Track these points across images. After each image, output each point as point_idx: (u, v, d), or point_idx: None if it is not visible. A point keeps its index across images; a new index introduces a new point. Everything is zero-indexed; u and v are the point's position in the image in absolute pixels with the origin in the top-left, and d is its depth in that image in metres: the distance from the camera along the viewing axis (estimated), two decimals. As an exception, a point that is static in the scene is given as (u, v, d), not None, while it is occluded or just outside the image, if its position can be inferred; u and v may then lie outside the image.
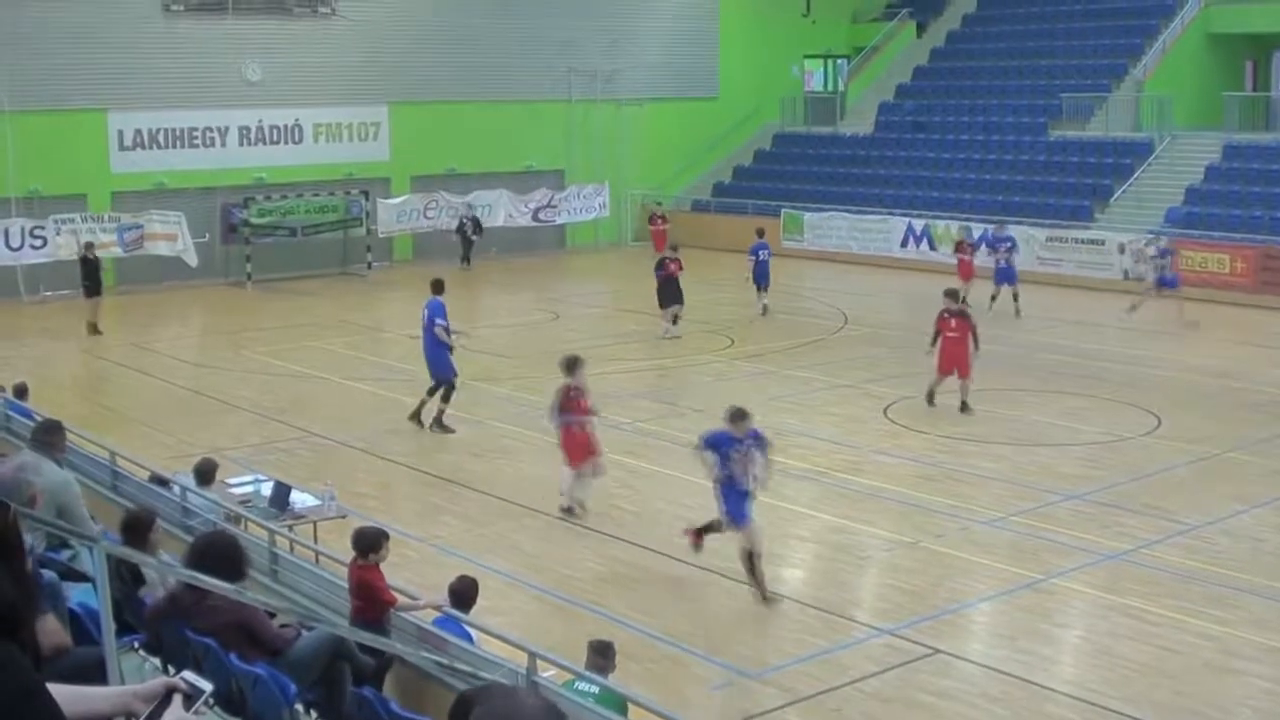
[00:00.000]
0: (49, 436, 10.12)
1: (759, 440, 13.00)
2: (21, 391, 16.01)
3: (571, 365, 15.77)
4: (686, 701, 10.78)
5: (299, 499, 13.24)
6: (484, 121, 38.43)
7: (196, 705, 3.58)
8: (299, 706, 7.01)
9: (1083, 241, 32.91)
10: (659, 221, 35.92)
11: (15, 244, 31.22)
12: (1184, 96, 36.93)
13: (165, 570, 7.42)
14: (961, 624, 12.56)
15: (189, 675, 3.72)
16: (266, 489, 13.36)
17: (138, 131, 33.90)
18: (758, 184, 41.86)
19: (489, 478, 17.17)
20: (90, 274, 27.44)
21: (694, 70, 43.06)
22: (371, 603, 9.04)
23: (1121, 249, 31.95)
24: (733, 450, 12.82)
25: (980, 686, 11.11)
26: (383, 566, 9.32)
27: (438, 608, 9.48)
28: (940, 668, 11.31)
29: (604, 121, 41.09)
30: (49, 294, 31.75)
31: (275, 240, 34.91)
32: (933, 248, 35.67)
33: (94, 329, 27.05)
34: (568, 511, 15.44)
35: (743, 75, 43.82)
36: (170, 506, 11.40)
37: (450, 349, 18.94)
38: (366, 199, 36.13)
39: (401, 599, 9.29)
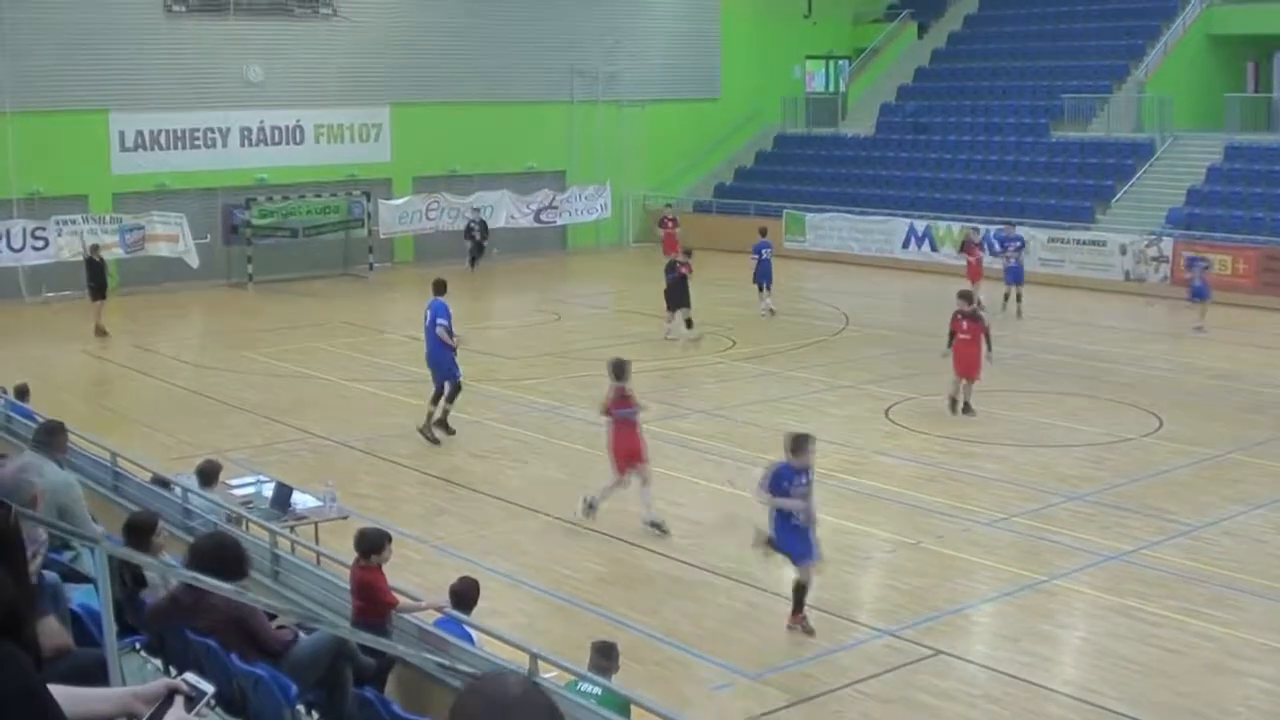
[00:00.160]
0: (50, 437, 10.14)
1: (811, 480, 12.23)
2: (23, 392, 16.02)
3: (621, 369, 15.35)
4: (687, 702, 10.79)
5: (300, 500, 13.25)
6: (486, 122, 38.43)
7: (198, 707, 3.58)
8: (300, 707, 7.01)
9: (1084, 242, 32.91)
10: (669, 224, 35.71)
11: (17, 245, 31.22)
12: (1185, 97, 36.94)
13: (166, 571, 7.42)
14: (962, 625, 12.56)
15: (190, 677, 3.72)
16: (268, 490, 13.37)
17: (139, 132, 33.91)
18: (759, 185, 41.86)
19: (490, 478, 17.18)
20: (96, 276, 27.37)
21: (695, 71, 43.07)
22: (373, 604, 9.04)
23: (1123, 250, 31.97)
24: (793, 486, 12.03)
25: (981, 687, 11.11)
26: (384, 567, 9.33)
27: (439, 609, 9.49)
28: (941, 669, 11.31)
29: (605, 122, 41.10)
30: (50, 295, 31.77)
31: (277, 241, 34.92)
32: (934, 249, 35.68)
33: (100, 331, 26.98)
34: (590, 507, 15.01)
35: (744, 76, 43.83)
36: (172, 508, 11.40)
37: (454, 350, 18.82)
38: (368, 200, 36.13)
39: (403, 600, 9.30)
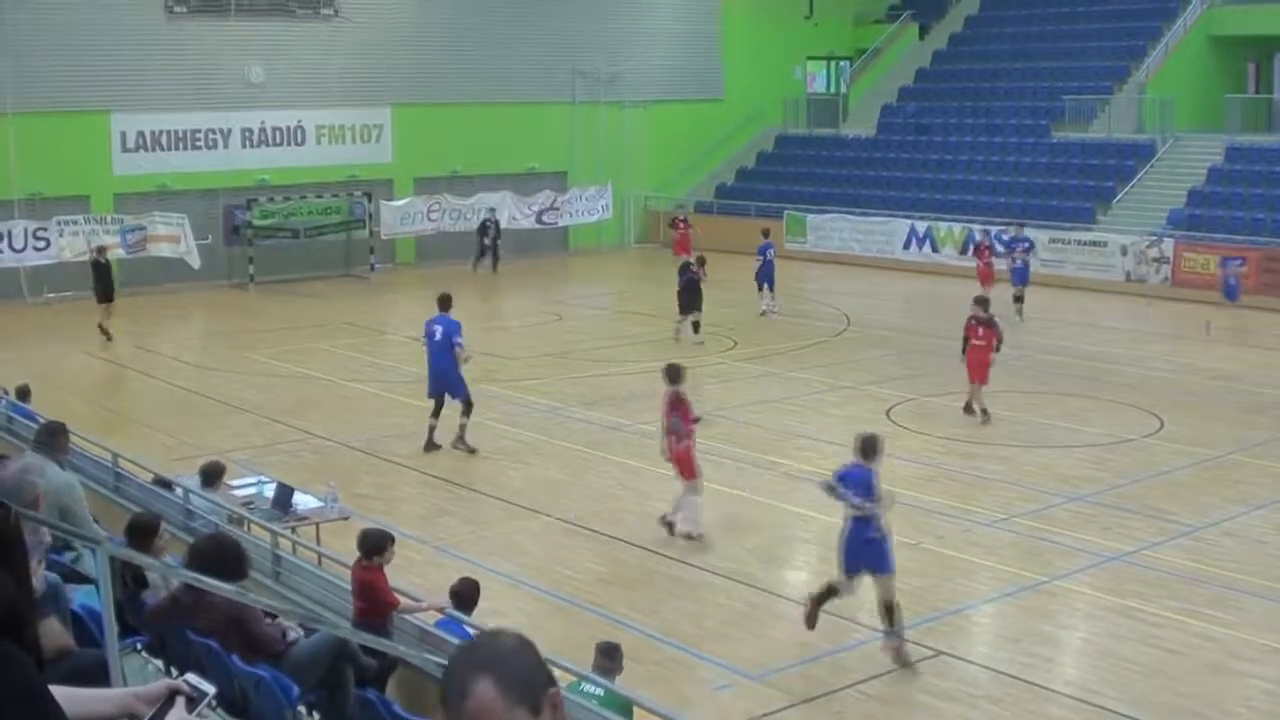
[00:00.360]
0: (52, 438, 10.15)
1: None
2: (24, 393, 16.03)
3: (678, 373, 14.98)
4: (688, 702, 10.79)
5: (301, 500, 13.26)
6: (487, 123, 38.43)
7: (199, 708, 3.58)
8: (301, 708, 7.02)
9: (1085, 243, 32.90)
10: (681, 225, 35.56)
11: (19, 245, 31.23)
12: (1186, 98, 36.93)
13: (167, 572, 7.43)
14: (963, 625, 12.57)
15: (192, 678, 3.72)
16: (269, 490, 13.38)
17: (140, 133, 33.92)
18: (760, 186, 41.86)
19: (491, 479, 17.18)
20: (102, 278, 27.12)
21: (697, 72, 43.07)
22: (374, 604, 9.05)
23: (1124, 251, 31.97)
24: (874, 488, 11.47)
25: (982, 688, 11.12)
26: (385, 568, 9.34)
27: (440, 609, 9.50)
28: (942, 669, 11.31)
29: (607, 123, 41.10)
30: (52, 295, 31.78)
31: (278, 242, 34.93)
32: (935, 250, 35.70)
33: (104, 332, 26.82)
34: (691, 538, 14.43)
35: (745, 77, 43.82)
36: (173, 509, 11.41)
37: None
38: (369, 201, 36.14)
39: (404, 601, 9.31)
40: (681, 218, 36.09)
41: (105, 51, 32.79)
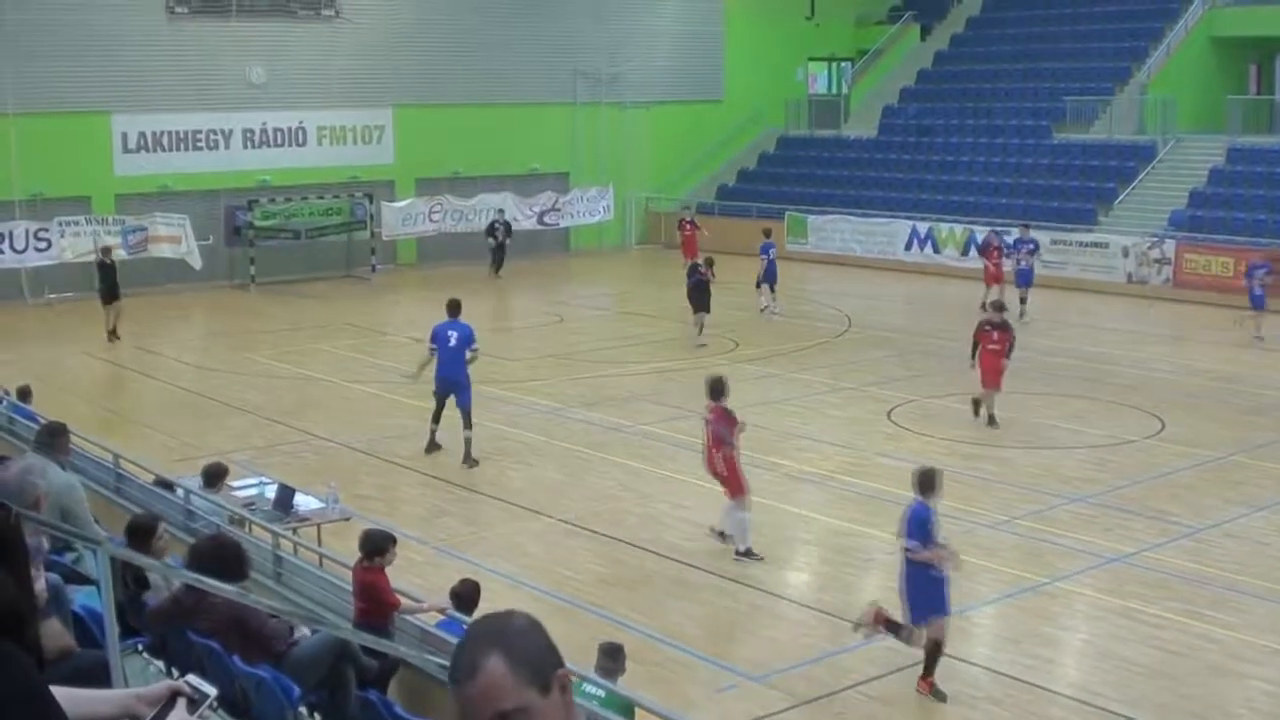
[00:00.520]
0: (52, 439, 10.14)
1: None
2: (25, 394, 16.03)
3: (723, 388, 14.56)
4: (690, 704, 10.79)
5: (302, 501, 13.26)
6: (488, 124, 38.42)
7: (200, 710, 3.58)
8: (303, 709, 7.01)
9: (1086, 244, 32.89)
10: (688, 227, 35.49)
11: (20, 246, 31.23)
12: (1188, 99, 36.92)
13: (167, 573, 7.43)
14: (964, 627, 12.54)
15: (193, 679, 3.72)
16: (270, 491, 13.38)
17: (142, 134, 33.93)
18: (762, 187, 41.86)
19: (492, 480, 17.18)
20: (107, 278, 26.99)
21: (698, 73, 43.07)
22: (376, 605, 9.05)
23: (1125, 252, 31.96)
24: (934, 526, 10.84)
25: (983, 689, 11.11)
26: (386, 569, 9.34)
27: (441, 610, 9.49)
28: (943, 671, 11.28)
29: (608, 124, 41.11)
30: (53, 296, 31.79)
31: (279, 243, 34.93)
32: (937, 251, 35.70)
33: (113, 334, 26.72)
34: (748, 555, 13.99)
35: (747, 78, 43.82)
36: (174, 509, 11.41)
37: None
38: (370, 202, 36.14)
39: (406, 602, 9.31)
40: (689, 219, 36.02)
41: (106, 52, 32.79)
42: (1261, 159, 33.41)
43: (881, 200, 38.29)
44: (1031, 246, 29.15)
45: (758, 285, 29.13)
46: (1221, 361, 24.27)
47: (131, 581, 7.96)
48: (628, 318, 30.01)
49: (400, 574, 10.42)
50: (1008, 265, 29.01)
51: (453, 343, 17.78)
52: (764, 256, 28.84)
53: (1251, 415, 20.18)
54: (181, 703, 3.56)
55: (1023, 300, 28.04)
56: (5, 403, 15.29)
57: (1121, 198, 34.61)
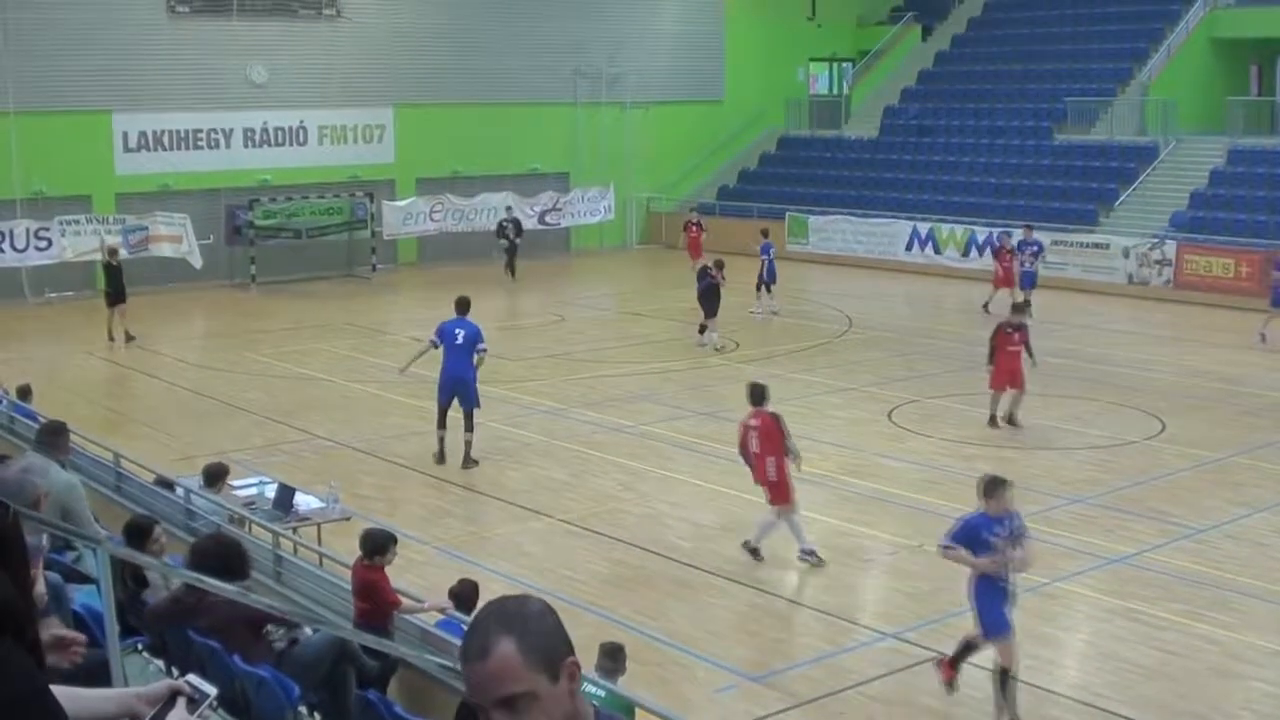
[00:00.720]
0: (53, 438, 10.14)
1: (1019, 526, 10.42)
2: (25, 393, 16.03)
3: (764, 394, 14.33)
4: (690, 704, 10.78)
5: (303, 501, 13.26)
6: (489, 124, 38.43)
7: (201, 709, 3.57)
8: (303, 709, 7.01)
9: (1087, 245, 32.89)
10: (693, 228, 35.40)
11: (20, 245, 31.23)
12: (1188, 101, 36.92)
13: (168, 572, 7.43)
14: (965, 628, 12.50)
15: (193, 679, 3.71)
16: (270, 491, 13.38)
17: (142, 133, 33.94)
18: (763, 187, 41.86)
19: (492, 480, 17.17)
20: (113, 280, 26.71)
21: (699, 73, 43.07)
22: (376, 605, 9.05)
23: (1126, 253, 31.96)
24: (993, 536, 10.25)
25: (984, 690, 11.09)
26: (386, 569, 9.33)
27: (441, 610, 9.49)
28: (943, 671, 11.29)
29: (609, 124, 41.10)
30: (53, 295, 31.79)
31: (280, 242, 34.92)
32: (937, 251, 35.71)
33: (128, 336, 26.46)
34: (812, 555, 13.88)
35: (748, 78, 43.83)
36: (174, 509, 11.41)
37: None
38: (371, 201, 36.13)
39: (406, 601, 9.30)
40: (694, 220, 35.96)
41: (107, 51, 32.79)
42: (1262, 160, 33.41)
43: (882, 201, 38.28)
44: (1036, 249, 29.14)
45: (758, 288, 29.06)
46: (1222, 363, 24.26)
47: (131, 580, 7.96)
48: (629, 318, 30.01)
49: (400, 574, 10.43)
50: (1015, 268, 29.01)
51: (459, 341, 17.42)
52: (764, 257, 28.84)
53: (1252, 416, 20.18)
54: (181, 702, 3.55)
55: (1027, 303, 27.98)
56: (6, 402, 15.29)
57: (1122, 199, 34.61)
